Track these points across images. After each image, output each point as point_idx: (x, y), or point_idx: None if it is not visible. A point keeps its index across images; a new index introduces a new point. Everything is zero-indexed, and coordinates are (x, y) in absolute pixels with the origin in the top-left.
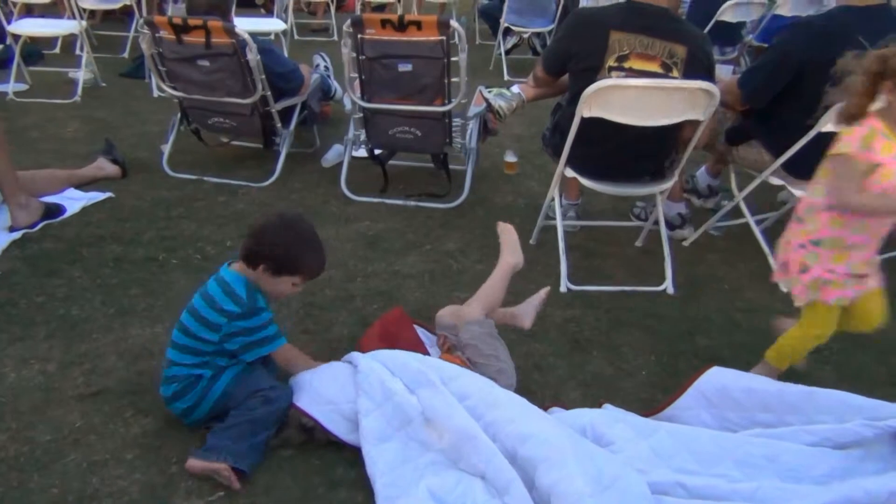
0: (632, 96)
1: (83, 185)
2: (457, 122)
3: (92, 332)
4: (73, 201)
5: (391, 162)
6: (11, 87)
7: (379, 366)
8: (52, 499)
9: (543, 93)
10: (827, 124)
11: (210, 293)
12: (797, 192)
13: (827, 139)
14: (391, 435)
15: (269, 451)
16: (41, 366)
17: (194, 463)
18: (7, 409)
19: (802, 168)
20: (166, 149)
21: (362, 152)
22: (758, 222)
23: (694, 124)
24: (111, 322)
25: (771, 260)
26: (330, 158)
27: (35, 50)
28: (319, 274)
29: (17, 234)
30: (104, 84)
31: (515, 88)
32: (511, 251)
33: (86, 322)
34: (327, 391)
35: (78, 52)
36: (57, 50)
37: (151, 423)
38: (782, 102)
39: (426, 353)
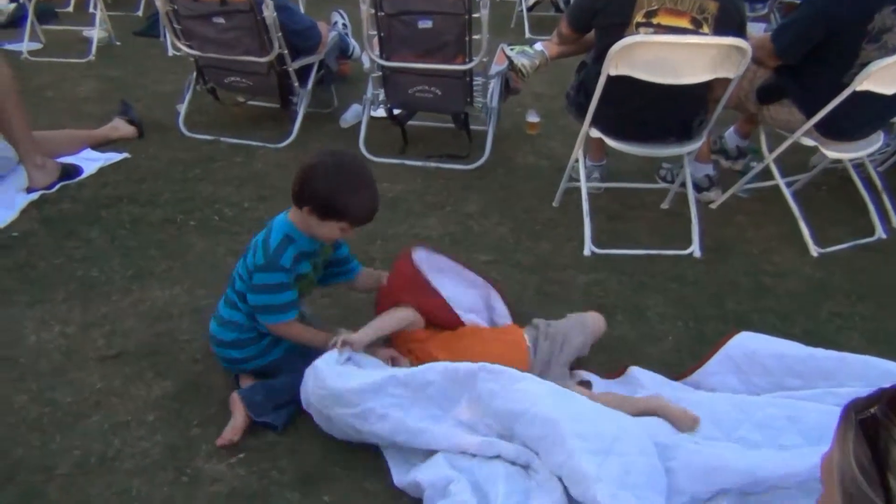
0: (660, 53)
1: (99, 146)
2: (478, 80)
3: (111, 294)
4: (90, 162)
5: (411, 122)
6: (25, 45)
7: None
8: (74, 460)
9: (567, 50)
10: (863, 83)
11: (255, 242)
12: (830, 154)
13: (862, 98)
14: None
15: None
16: (61, 328)
17: (236, 399)
18: (28, 370)
19: (836, 128)
20: (182, 109)
21: (381, 112)
22: (788, 184)
23: (724, 83)
24: (130, 284)
25: (801, 223)
26: (348, 118)
27: (49, 8)
28: (368, 220)
29: (34, 195)
30: (118, 43)
31: (538, 46)
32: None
33: (104, 284)
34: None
35: (91, 10)
36: (70, 8)
37: (171, 386)
38: (816, 59)
39: (449, 318)
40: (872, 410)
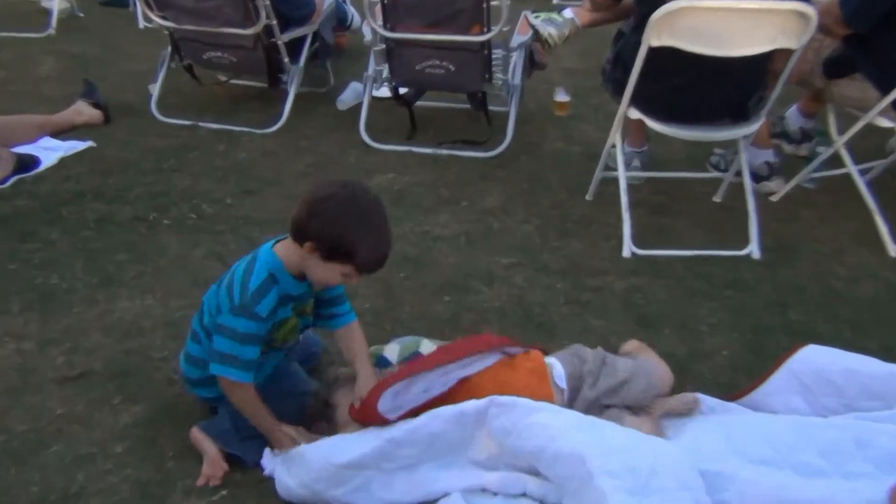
0: (709, 21)
1: (60, 133)
2: (497, 54)
3: (73, 305)
4: (49, 152)
5: (419, 103)
6: None
7: None
8: (31, 497)
9: (602, 18)
10: None
11: (234, 271)
12: None
13: None
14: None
15: None
16: (16, 344)
17: (198, 434)
18: None
19: None
20: (155, 90)
21: (385, 91)
22: (861, 172)
23: (785, 54)
24: (95, 293)
25: (878, 218)
26: (347, 99)
27: None
28: (377, 267)
29: None
30: (82, 14)
31: (568, 13)
32: None
33: (66, 293)
34: None
35: None
36: None
37: (143, 411)
38: (891, 27)
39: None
40: None
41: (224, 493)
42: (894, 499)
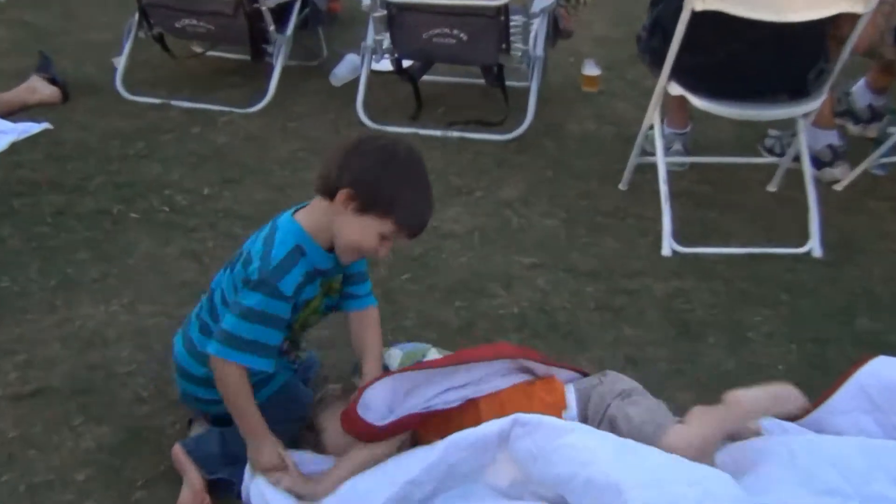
0: None
1: (11, 114)
2: (516, 20)
3: (27, 311)
4: (0, 135)
5: (426, 78)
6: None
7: None
8: None
9: None
10: None
11: (249, 248)
12: None
13: None
14: None
15: None
16: None
17: (179, 453)
18: None
19: None
20: (120, 63)
21: (386, 65)
22: None
23: (851, 20)
24: (52, 297)
25: None
26: (342, 73)
27: None
28: (420, 229)
29: None
30: None
31: None
32: None
33: (19, 297)
34: None
35: None
36: None
37: (109, 434)
38: None
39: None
40: None
41: None
42: None
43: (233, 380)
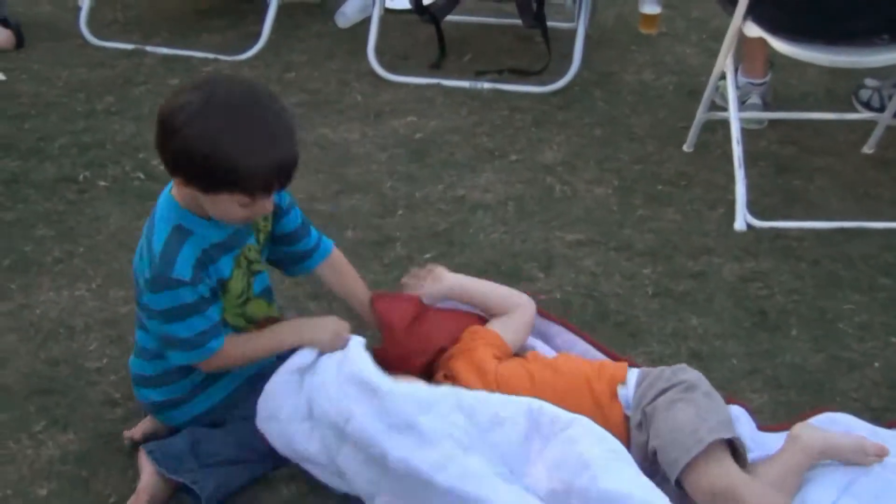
0: None
1: None
2: None
3: None
4: None
5: (450, 17)
6: None
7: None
8: None
9: None
10: None
11: (145, 229)
12: None
13: None
14: None
15: (268, 487)
16: None
17: (143, 456)
18: None
19: None
20: (85, 1)
21: (403, 1)
22: None
23: None
24: (6, 281)
25: None
26: (349, 13)
27: None
28: (279, 182)
29: None
30: None
31: None
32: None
33: None
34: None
35: None
36: None
37: (75, 441)
38: None
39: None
40: None
41: None
42: None
43: (224, 360)
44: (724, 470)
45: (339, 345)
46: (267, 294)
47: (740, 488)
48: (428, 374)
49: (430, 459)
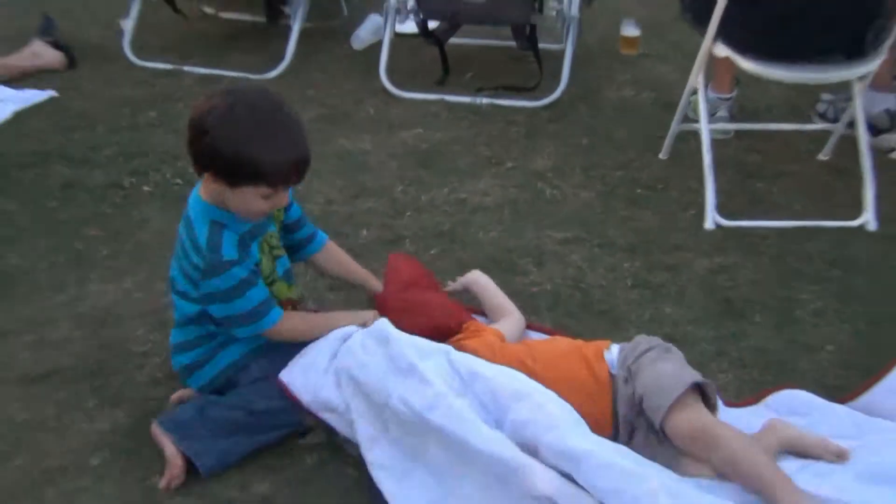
0: None
1: (14, 81)
2: None
3: (36, 290)
4: (2, 104)
5: (453, 40)
6: None
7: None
8: None
9: None
10: None
11: (181, 236)
12: None
13: None
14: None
15: (292, 456)
16: None
17: (155, 429)
18: None
19: None
20: (128, 26)
21: (411, 26)
22: None
23: None
24: (62, 275)
25: None
26: (364, 36)
27: None
28: (296, 176)
29: None
30: None
31: None
32: None
33: (27, 275)
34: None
35: None
36: None
37: (124, 417)
38: None
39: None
40: None
41: None
42: None
43: (285, 330)
44: (701, 414)
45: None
46: (288, 276)
47: (717, 429)
48: None
49: (425, 398)
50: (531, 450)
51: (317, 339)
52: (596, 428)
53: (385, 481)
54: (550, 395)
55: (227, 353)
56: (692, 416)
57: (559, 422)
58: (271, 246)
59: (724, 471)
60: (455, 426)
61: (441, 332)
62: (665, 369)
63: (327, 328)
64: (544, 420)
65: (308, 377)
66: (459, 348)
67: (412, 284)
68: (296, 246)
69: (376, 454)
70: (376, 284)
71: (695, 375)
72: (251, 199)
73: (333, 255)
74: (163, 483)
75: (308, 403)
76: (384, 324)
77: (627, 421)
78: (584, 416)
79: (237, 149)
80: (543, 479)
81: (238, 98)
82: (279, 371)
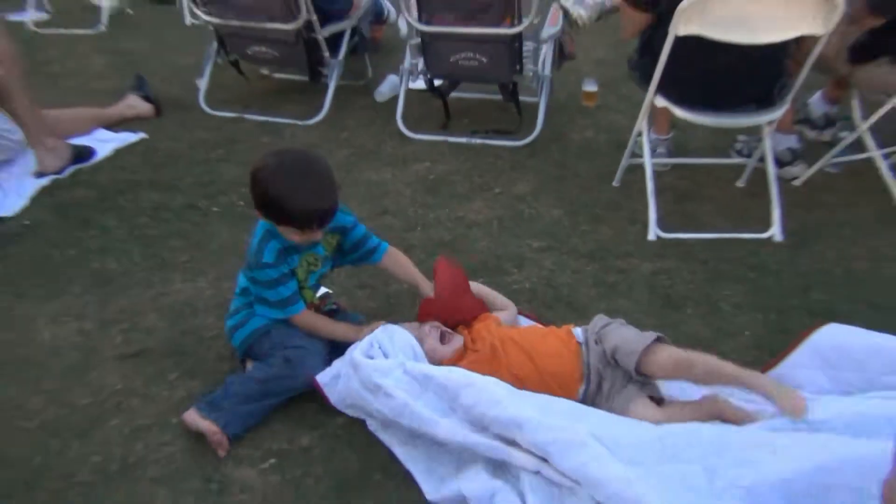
0: (736, 9)
1: (113, 126)
2: (528, 46)
3: (130, 288)
4: (104, 143)
5: (453, 94)
6: (31, 16)
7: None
8: (94, 466)
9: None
10: None
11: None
12: None
13: None
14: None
15: (328, 416)
16: (77, 324)
17: (189, 415)
18: (43, 370)
19: None
20: (203, 84)
21: (420, 83)
22: (885, 156)
23: (811, 40)
24: (150, 276)
25: None
26: (384, 91)
27: None
28: (318, 223)
29: (45, 181)
30: (131, 11)
31: None
32: None
33: (123, 276)
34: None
35: None
36: None
37: (197, 386)
38: None
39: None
40: None
41: (273, 461)
42: (886, 489)
43: (300, 323)
44: (674, 349)
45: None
46: (315, 287)
47: (689, 354)
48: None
49: (393, 409)
50: (480, 427)
51: (321, 337)
52: (570, 381)
53: (394, 446)
54: (490, 380)
55: (256, 320)
56: (669, 351)
57: (500, 398)
58: (310, 262)
59: (705, 380)
60: (419, 424)
61: (467, 322)
62: (629, 331)
63: (327, 333)
64: (487, 399)
65: (334, 383)
66: (472, 329)
67: (453, 290)
68: (363, 257)
69: (385, 435)
70: (425, 289)
71: (654, 334)
72: (288, 233)
73: (394, 261)
74: (221, 452)
75: (334, 402)
76: (357, 354)
77: (597, 372)
78: (558, 375)
79: (275, 199)
80: (489, 448)
81: (283, 159)
82: (289, 340)
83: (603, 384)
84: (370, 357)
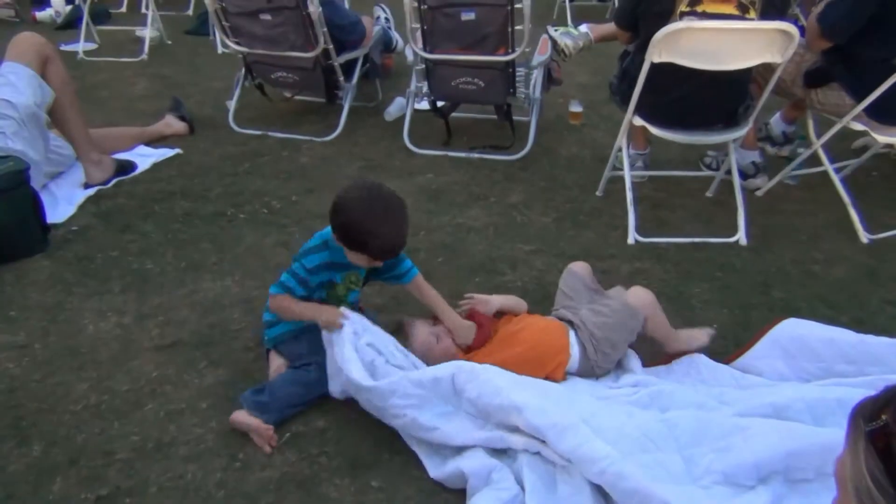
0: (705, 40)
1: (152, 142)
2: (520, 71)
3: (164, 286)
4: (144, 158)
5: (454, 114)
6: (81, 46)
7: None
8: (132, 445)
9: (611, 35)
10: None
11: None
12: (881, 138)
13: None
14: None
15: (338, 404)
16: (118, 318)
17: (241, 415)
18: (88, 359)
19: (887, 112)
20: (232, 105)
21: (425, 105)
22: (837, 170)
23: (770, 68)
24: (183, 276)
25: (851, 210)
26: (392, 112)
27: (103, 9)
28: (391, 256)
29: (91, 191)
30: (170, 42)
31: (583, 28)
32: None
33: (158, 276)
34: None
35: (144, 10)
36: (123, 9)
37: (224, 374)
38: (866, 40)
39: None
40: (883, 419)
41: (288, 435)
42: (838, 470)
43: (274, 300)
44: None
45: (337, 323)
46: (354, 304)
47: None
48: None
49: (403, 426)
50: (485, 415)
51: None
52: (562, 355)
53: (401, 430)
54: (492, 370)
55: (287, 324)
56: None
57: (500, 387)
58: (352, 281)
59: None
60: (429, 436)
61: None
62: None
63: (298, 316)
64: (489, 390)
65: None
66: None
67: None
68: (395, 277)
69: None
70: (445, 318)
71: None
72: (356, 258)
73: (417, 288)
74: (268, 448)
75: (338, 394)
76: (355, 375)
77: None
78: (552, 349)
79: (358, 230)
80: (491, 441)
81: (368, 193)
82: (314, 346)
83: (586, 351)
84: (365, 358)
